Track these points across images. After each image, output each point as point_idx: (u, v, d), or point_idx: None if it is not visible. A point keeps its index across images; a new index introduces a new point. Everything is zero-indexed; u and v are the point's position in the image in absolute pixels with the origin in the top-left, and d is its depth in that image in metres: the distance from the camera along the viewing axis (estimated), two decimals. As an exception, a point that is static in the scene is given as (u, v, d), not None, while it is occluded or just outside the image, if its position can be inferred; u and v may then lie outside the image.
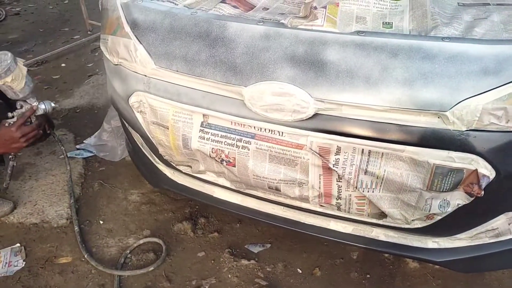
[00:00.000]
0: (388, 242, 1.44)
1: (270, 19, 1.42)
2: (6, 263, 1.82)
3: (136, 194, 2.19)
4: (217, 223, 2.01)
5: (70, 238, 1.94)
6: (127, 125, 1.86)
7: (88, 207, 2.10)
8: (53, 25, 4.62)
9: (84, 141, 2.58)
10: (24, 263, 1.82)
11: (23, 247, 1.89)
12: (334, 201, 1.36)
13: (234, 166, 1.42)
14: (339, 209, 1.39)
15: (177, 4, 1.57)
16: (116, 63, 1.59)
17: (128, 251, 1.85)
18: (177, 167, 1.66)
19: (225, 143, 1.40)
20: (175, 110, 1.46)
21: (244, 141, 1.37)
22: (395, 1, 1.42)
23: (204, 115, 1.42)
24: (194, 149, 1.46)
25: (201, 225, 1.99)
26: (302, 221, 1.54)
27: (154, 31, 1.46)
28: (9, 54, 1.59)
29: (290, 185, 1.38)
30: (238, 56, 1.32)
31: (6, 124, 1.60)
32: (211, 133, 1.42)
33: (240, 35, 1.34)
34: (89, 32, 4.32)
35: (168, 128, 1.50)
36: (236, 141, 1.38)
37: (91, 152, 2.50)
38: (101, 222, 2.03)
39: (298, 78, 1.24)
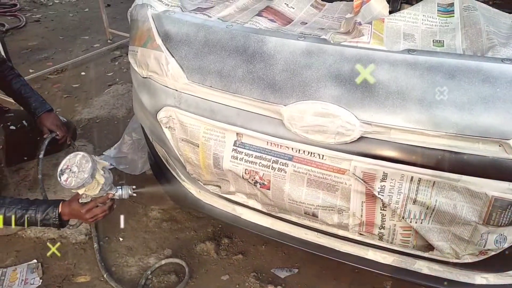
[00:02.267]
0: (431, 276, 1.34)
1: (311, 34, 1.34)
2: (22, 280, 1.75)
3: (156, 210, 2.11)
4: (241, 244, 1.92)
5: (89, 255, 1.87)
6: (151, 139, 1.80)
7: (107, 223, 2.02)
8: (73, 33, 4.61)
9: (103, 153, 2.52)
10: (41, 281, 1.75)
11: (40, 264, 1.82)
12: (376, 231, 1.27)
13: (269, 189, 1.33)
14: (381, 239, 1.29)
15: (211, 16, 1.50)
16: (145, 76, 1.53)
17: (149, 272, 1.77)
18: (205, 186, 1.58)
19: (260, 164, 1.32)
20: (207, 127, 1.39)
21: (281, 163, 1.28)
22: (445, 18, 1.33)
23: (237, 133, 1.34)
24: (225, 169, 1.38)
25: (224, 245, 1.90)
26: (338, 249, 1.44)
27: (188, 44, 1.40)
28: (91, 162, 1.39)
29: (329, 212, 1.29)
30: (278, 73, 1.24)
31: (80, 200, 1.50)
32: (244, 153, 1.34)
33: (280, 51, 1.26)
34: (109, 41, 4.30)
35: (198, 146, 1.42)
36: (272, 163, 1.30)
37: (110, 164, 2.43)
38: (121, 239, 1.96)
39: (343, 98, 1.15)
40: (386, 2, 1.43)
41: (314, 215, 1.32)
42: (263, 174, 1.32)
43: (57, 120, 1.98)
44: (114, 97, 3.17)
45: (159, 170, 1.87)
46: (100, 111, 2.99)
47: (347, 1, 1.60)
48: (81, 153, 1.41)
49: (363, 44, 1.21)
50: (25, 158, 2.12)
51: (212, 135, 1.38)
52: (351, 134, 1.15)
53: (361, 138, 1.15)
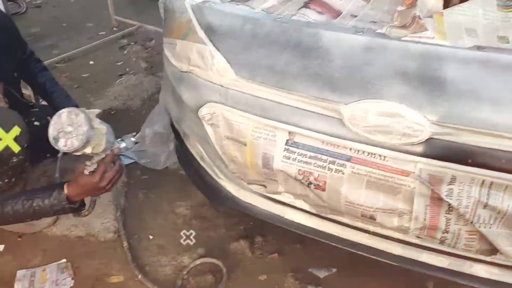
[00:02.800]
0: (489, 279, 1.30)
1: (364, 28, 1.27)
2: (53, 281, 1.69)
3: (184, 207, 2.06)
4: (275, 242, 1.87)
5: (119, 254, 1.81)
6: (184, 135, 1.73)
7: (135, 220, 1.97)
8: (76, 19, 4.46)
9: (123, 146, 2.45)
10: (73, 281, 1.69)
11: (69, 263, 1.76)
12: (438, 235, 1.22)
13: (324, 191, 1.28)
14: (442, 243, 1.25)
15: (254, 8, 1.42)
16: (184, 70, 1.46)
17: (184, 272, 1.72)
18: (248, 185, 1.52)
19: (315, 164, 1.26)
20: (256, 125, 1.33)
21: (338, 164, 1.23)
22: (506, 13, 1.27)
23: (290, 132, 1.28)
24: (276, 169, 1.33)
25: (258, 244, 1.86)
26: (389, 251, 1.39)
27: (234, 37, 1.33)
28: (81, 112, 1.23)
29: (389, 215, 1.24)
30: (337, 70, 1.18)
31: (86, 172, 1.37)
32: (298, 152, 1.28)
33: (337, 46, 1.20)
34: (114, 29, 4.19)
35: (245, 145, 1.36)
36: (329, 163, 1.24)
37: (131, 158, 2.37)
38: (151, 237, 1.90)
39: (410, 97, 1.10)
40: (441, -6, 1.37)
41: (372, 218, 1.27)
42: (318, 175, 1.26)
43: None
44: (127, 88, 3.07)
45: (191, 166, 1.80)
46: (114, 102, 2.91)
47: (396, -8, 1.53)
48: (65, 110, 1.22)
49: (427, 39, 1.14)
50: (48, 155, 2.05)
51: (262, 133, 1.32)
52: (419, 135, 1.10)
53: (428, 139, 1.10)
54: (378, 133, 1.13)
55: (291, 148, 1.29)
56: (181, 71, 1.48)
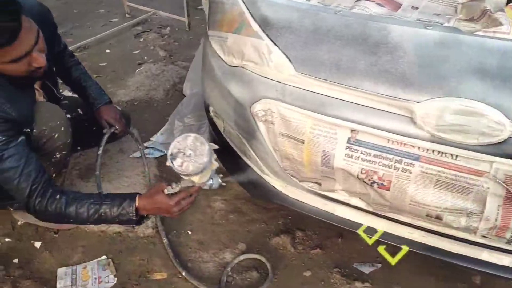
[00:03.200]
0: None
1: (431, 21, 1.23)
2: (96, 278, 1.67)
3: (219, 201, 2.03)
4: (316, 237, 1.85)
5: (159, 250, 1.79)
6: (225, 130, 1.69)
7: (171, 215, 1.93)
8: (86, 6, 4.37)
9: (150, 138, 2.41)
10: (116, 279, 1.67)
11: (110, 260, 1.74)
12: (508, 234, 1.20)
13: (388, 190, 1.25)
14: (509, 242, 1.22)
15: (309, 0, 1.37)
16: (235, 65, 1.41)
17: (228, 268, 1.70)
18: (300, 183, 1.49)
19: (380, 163, 1.23)
20: (315, 122, 1.29)
21: (405, 163, 1.20)
22: None
23: (352, 130, 1.24)
24: (336, 168, 1.29)
25: (299, 239, 1.83)
26: (447, 249, 1.37)
27: (293, 31, 1.28)
28: (207, 144, 1.24)
29: (456, 215, 1.21)
30: (408, 66, 1.14)
31: (165, 192, 1.36)
32: (361, 151, 1.24)
33: (408, 41, 1.15)
34: (127, 15, 4.10)
35: (303, 142, 1.32)
36: (395, 162, 1.21)
37: (160, 151, 2.33)
38: (189, 232, 1.88)
39: (490, 95, 1.06)
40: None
41: (438, 218, 1.24)
42: (383, 174, 1.23)
43: (116, 113, 1.87)
44: (148, 77, 3.01)
45: (231, 161, 1.76)
46: (137, 93, 2.85)
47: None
48: (193, 135, 1.24)
49: (502, 34, 1.11)
50: (79, 148, 2.00)
51: (322, 131, 1.28)
52: (498, 135, 1.06)
53: (507, 138, 1.06)
54: (454, 133, 1.10)
55: (353, 147, 1.25)
56: (231, 66, 1.43)
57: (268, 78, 1.33)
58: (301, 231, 1.87)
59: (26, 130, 1.44)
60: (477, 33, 1.13)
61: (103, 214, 1.38)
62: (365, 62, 1.18)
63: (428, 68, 1.12)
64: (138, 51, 3.46)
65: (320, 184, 1.44)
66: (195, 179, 1.29)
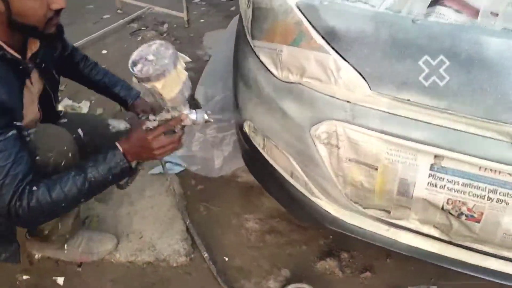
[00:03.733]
0: None
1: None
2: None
3: (252, 221, 1.87)
4: (362, 258, 1.72)
5: (196, 280, 1.63)
6: (266, 147, 1.53)
7: (202, 238, 1.77)
8: (76, 1, 4.09)
9: (167, 151, 2.22)
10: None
11: (145, 295, 1.57)
12: None
13: (478, 222, 1.12)
14: None
15: (374, 6, 1.21)
16: (292, 81, 1.25)
17: (278, 300, 1.55)
18: (364, 210, 1.34)
19: (471, 193, 1.09)
20: (391, 147, 1.14)
21: (501, 193, 1.07)
22: None
23: (436, 155, 1.11)
24: (417, 197, 1.16)
25: (346, 261, 1.70)
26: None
27: (366, 45, 1.13)
28: (171, 49, 1.17)
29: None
30: (509, 85, 1.00)
31: (144, 127, 1.25)
32: (447, 179, 1.11)
33: (508, 56, 1.01)
34: (119, 11, 3.85)
35: (376, 169, 1.18)
36: (488, 192, 1.08)
37: (180, 165, 2.15)
38: (226, 258, 1.72)
39: None
40: None
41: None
42: (474, 205, 1.10)
43: (147, 106, 1.71)
44: (154, 81, 2.80)
45: (273, 182, 1.61)
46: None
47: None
48: (157, 41, 1.17)
49: None
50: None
51: (400, 156, 1.14)
52: None
53: None
54: None
55: (438, 174, 1.12)
56: (286, 82, 1.27)
57: (334, 98, 1.18)
58: (346, 252, 1.73)
59: (17, 124, 1.22)
60: None
61: (92, 179, 1.22)
62: (458, 80, 1.04)
63: (534, 88, 0.98)
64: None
65: (389, 212, 1.30)
66: (158, 85, 1.16)
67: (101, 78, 1.67)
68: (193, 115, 1.30)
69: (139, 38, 3.43)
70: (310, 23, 1.19)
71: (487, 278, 1.31)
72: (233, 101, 1.71)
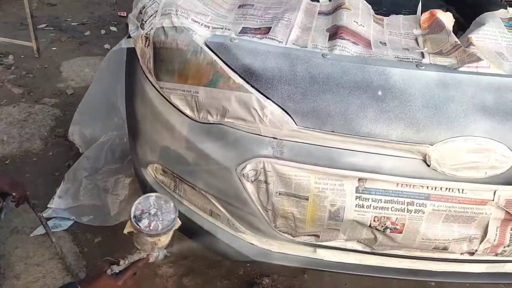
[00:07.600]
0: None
1: (409, 58, 1.25)
2: None
3: (165, 266, 1.76)
4: (283, 279, 1.75)
5: None
6: (179, 189, 1.47)
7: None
8: None
9: (48, 206, 1.94)
10: None
11: None
12: (500, 250, 1.30)
13: (401, 233, 1.24)
14: (498, 254, 1.33)
15: (281, 42, 1.25)
16: (211, 122, 1.22)
17: None
18: (294, 238, 1.37)
19: (393, 208, 1.20)
20: (318, 176, 1.19)
21: (417, 204, 1.20)
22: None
23: (360, 179, 1.19)
24: (347, 220, 1.22)
25: (269, 286, 1.72)
26: (433, 270, 1.43)
27: (286, 81, 1.15)
28: (172, 203, 1.14)
29: (460, 242, 1.27)
30: (417, 110, 1.13)
31: (109, 272, 1.11)
32: (371, 198, 1.20)
33: (411, 84, 1.15)
34: None
35: (307, 199, 1.21)
36: (407, 205, 1.20)
37: (68, 219, 1.90)
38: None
39: (495, 130, 1.12)
40: (452, 17, 1.43)
41: (445, 249, 1.28)
42: (397, 218, 1.21)
43: (6, 177, 1.43)
44: (13, 125, 2.42)
45: (197, 229, 1.52)
46: (5, 148, 2.27)
47: (404, 15, 1.53)
48: (153, 194, 1.16)
49: (484, 69, 1.18)
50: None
51: (328, 184, 1.20)
52: (503, 166, 1.14)
53: (510, 168, 1.15)
54: (466, 170, 1.14)
55: (363, 195, 1.20)
56: (203, 122, 1.23)
57: (260, 135, 1.18)
58: (267, 277, 1.75)
59: None
60: (461, 69, 1.18)
61: None
62: (374, 109, 1.13)
63: (437, 110, 1.13)
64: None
65: (318, 236, 1.35)
66: (163, 239, 1.15)
67: None
68: (160, 254, 1.22)
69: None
70: (224, 62, 1.17)
71: (399, 277, 1.47)
72: (130, 144, 1.59)
